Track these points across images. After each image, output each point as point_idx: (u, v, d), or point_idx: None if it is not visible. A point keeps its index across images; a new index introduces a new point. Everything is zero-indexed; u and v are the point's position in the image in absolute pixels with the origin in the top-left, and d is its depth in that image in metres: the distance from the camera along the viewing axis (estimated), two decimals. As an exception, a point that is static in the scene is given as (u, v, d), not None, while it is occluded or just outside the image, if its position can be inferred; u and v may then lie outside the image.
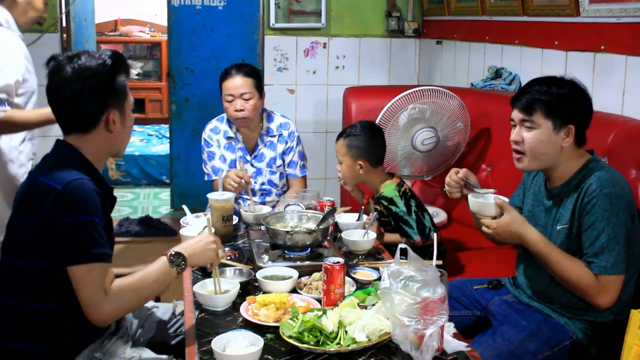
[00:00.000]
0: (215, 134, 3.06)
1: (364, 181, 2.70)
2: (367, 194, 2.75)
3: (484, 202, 2.00)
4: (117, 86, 1.81)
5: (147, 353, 1.92)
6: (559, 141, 1.96)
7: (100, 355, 1.83)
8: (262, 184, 3.05)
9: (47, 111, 2.64)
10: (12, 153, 2.67)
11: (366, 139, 2.64)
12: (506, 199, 2.00)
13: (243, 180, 2.70)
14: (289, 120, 3.12)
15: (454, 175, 2.17)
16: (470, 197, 2.04)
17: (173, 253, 1.79)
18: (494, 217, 1.98)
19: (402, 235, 2.61)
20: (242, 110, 2.88)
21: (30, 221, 1.72)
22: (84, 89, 1.75)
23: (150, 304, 2.17)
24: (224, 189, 2.64)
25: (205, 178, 3.09)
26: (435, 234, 2.14)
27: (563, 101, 1.95)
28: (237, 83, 2.89)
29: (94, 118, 1.80)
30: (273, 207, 2.78)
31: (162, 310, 2.17)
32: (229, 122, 3.04)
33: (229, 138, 3.04)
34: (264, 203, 2.97)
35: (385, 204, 2.61)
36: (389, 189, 2.63)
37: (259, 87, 2.95)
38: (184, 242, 1.89)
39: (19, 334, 1.74)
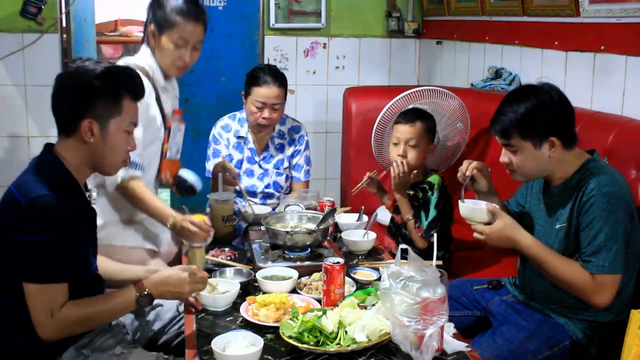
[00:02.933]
0: (226, 132, 3.03)
1: (418, 167, 2.72)
2: (392, 196, 2.78)
3: (475, 207, 2.00)
4: (100, 95, 1.76)
5: (138, 351, 1.90)
6: (545, 154, 1.97)
7: (88, 352, 1.82)
8: (267, 185, 3.04)
9: (166, 211, 2.30)
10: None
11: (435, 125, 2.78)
12: (496, 205, 2.01)
13: (229, 175, 2.69)
14: (300, 124, 3.12)
15: (464, 169, 2.17)
16: (460, 202, 2.04)
17: (142, 294, 1.74)
18: (487, 223, 1.98)
19: (415, 217, 2.65)
20: (269, 118, 2.86)
21: None
22: (65, 88, 1.78)
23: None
24: (214, 172, 2.62)
25: (207, 174, 3.08)
26: (435, 234, 2.13)
27: (535, 119, 1.94)
28: (274, 93, 2.85)
29: (70, 121, 1.77)
30: (274, 209, 2.77)
31: (166, 309, 2.16)
32: (241, 121, 3.03)
33: (239, 137, 3.02)
34: (264, 204, 2.96)
35: (426, 187, 2.66)
36: (436, 178, 2.68)
37: (286, 96, 2.95)
38: (161, 278, 1.78)
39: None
